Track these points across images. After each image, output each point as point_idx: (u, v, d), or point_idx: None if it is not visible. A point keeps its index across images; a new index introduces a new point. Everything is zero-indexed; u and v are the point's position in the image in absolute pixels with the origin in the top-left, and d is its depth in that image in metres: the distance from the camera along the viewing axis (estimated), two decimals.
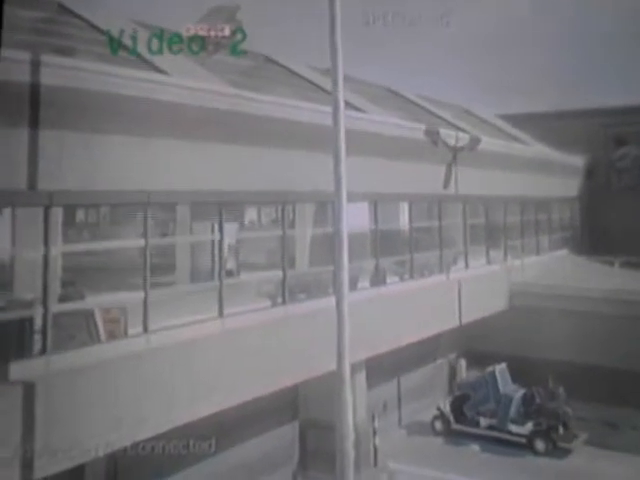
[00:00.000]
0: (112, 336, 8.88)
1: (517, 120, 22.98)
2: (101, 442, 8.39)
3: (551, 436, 14.42)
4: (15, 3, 8.80)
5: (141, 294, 9.02)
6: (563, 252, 22.19)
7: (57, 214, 8.39)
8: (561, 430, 14.50)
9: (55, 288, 8.36)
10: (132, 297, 9.02)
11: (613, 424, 15.60)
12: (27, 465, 7.70)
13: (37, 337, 8.10)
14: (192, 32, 10.01)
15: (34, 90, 8.02)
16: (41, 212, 8.19)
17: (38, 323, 8.11)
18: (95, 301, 8.87)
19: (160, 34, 9.93)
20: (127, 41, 9.86)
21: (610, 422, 15.62)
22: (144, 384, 8.89)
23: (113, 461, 9.67)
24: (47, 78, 8.11)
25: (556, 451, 14.25)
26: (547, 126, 22.77)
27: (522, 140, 21.50)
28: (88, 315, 8.71)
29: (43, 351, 8.07)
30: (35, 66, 8.06)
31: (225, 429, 10.59)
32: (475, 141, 16.06)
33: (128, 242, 9.35)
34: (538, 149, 21.45)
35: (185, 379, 9.34)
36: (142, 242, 9.03)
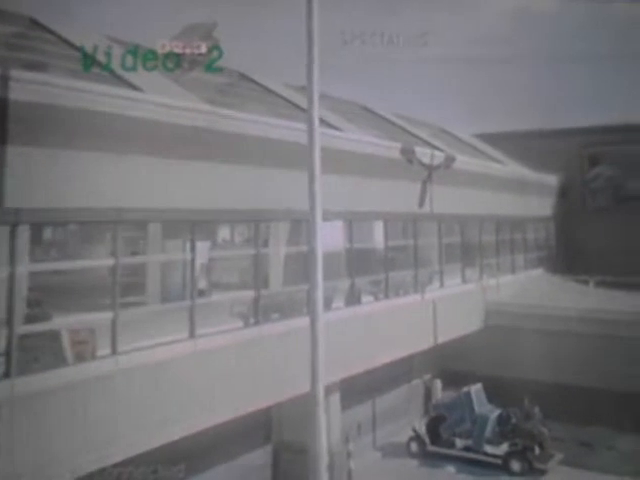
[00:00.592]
0: (80, 358, 8.69)
1: (493, 139, 23.17)
2: (67, 467, 8.19)
3: (527, 456, 14.38)
4: None
5: (110, 314, 8.85)
6: (538, 271, 22.31)
7: (24, 232, 8.22)
8: (537, 450, 14.47)
9: (21, 308, 8.18)
10: (101, 317, 8.85)
11: (589, 444, 15.63)
12: None
13: (0, 360, 7.90)
14: (167, 49, 9.94)
15: (2, 105, 7.87)
16: (7, 230, 8.02)
17: (2, 345, 7.91)
18: (62, 322, 8.69)
19: (135, 50, 9.87)
20: (101, 57, 9.77)
21: (586, 442, 15.65)
22: (113, 407, 8.69)
23: None
24: (16, 93, 7.97)
25: (532, 471, 14.20)
26: (523, 145, 22.98)
27: (498, 159, 21.65)
28: (55, 336, 8.51)
29: (7, 374, 7.88)
30: (4, 81, 7.91)
31: (196, 453, 10.39)
32: (450, 160, 16.12)
33: (97, 261, 9.19)
34: (513, 168, 21.61)
35: (155, 401, 9.15)
36: (112, 261, 8.88)
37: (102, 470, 8.51)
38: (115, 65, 9.77)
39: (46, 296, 8.64)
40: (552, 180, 23.33)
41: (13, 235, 8.01)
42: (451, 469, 14.58)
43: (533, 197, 21.99)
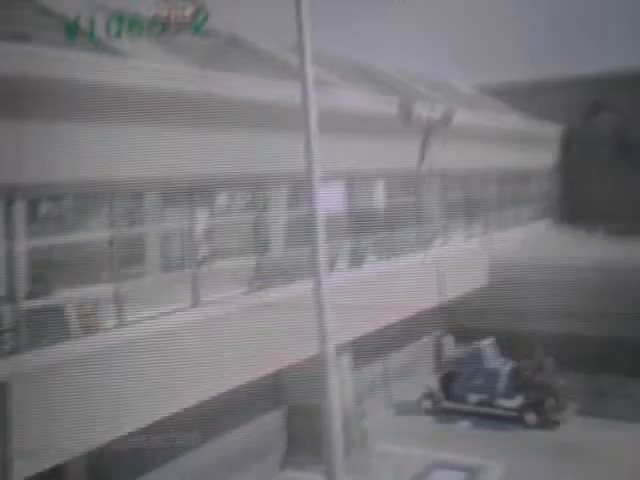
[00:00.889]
0: (86, 330, 8.71)
1: (495, 90, 22.86)
2: (80, 440, 8.25)
3: (541, 408, 14.41)
4: None
5: (113, 286, 8.84)
6: (544, 222, 22.20)
7: (20, 207, 8.17)
8: (551, 402, 14.49)
9: (24, 284, 8.16)
10: (103, 289, 8.84)
11: (602, 392, 15.65)
12: (4, 467, 7.56)
13: (8, 335, 7.92)
14: (153, 13, 9.81)
15: None
16: (3, 206, 7.97)
17: (8, 321, 7.93)
18: (66, 296, 8.68)
19: (119, 17, 9.69)
20: (84, 25, 9.60)
21: (599, 391, 15.67)
22: (122, 378, 8.73)
23: (95, 457, 9.50)
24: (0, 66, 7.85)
25: (547, 423, 14.25)
26: (526, 95, 22.68)
27: (499, 110, 21.41)
28: (60, 310, 8.52)
29: (16, 349, 7.89)
30: None
31: (209, 420, 10.44)
32: (450, 112, 15.90)
33: (95, 234, 9.14)
34: (516, 119, 21.37)
35: (164, 370, 9.18)
36: (109, 233, 8.84)
37: (115, 441, 8.56)
38: (99, 32, 9.61)
39: (48, 271, 8.61)
40: (557, 130, 23.09)
41: (9, 211, 7.97)
42: (466, 424, 14.65)
43: (537, 147, 21.79)
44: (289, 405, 12.83)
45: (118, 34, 9.66)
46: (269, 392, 12.22)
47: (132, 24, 9.74)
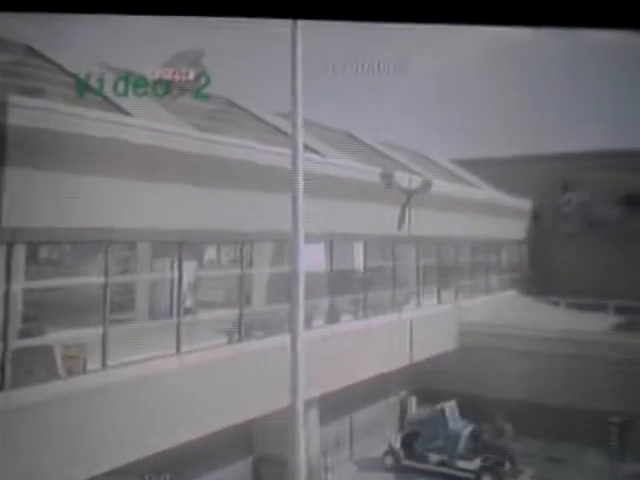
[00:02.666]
0: (71, 372, 8.97)
1: (470, 165, 23.63)
2: (58, 477, 8.44)
3: (498, 471, 14.70)
4: None
5: (100, 330, 9.16)
6: (512, 293, 22.76)
7: (20, 251, 8.53)
8: (508, 466, 14.80)
9: (16, 323, 8.46)
10: (92, 333, 9.15)
11: (558, 460, 15.97)
12: None
13: None
14: (157, 75, 10.28)
15: (1, 129, 8.20)
16: (4, 249, 8.33)
17: None
18: (55, 337, 8.97)
19: (126, 77, 10.20)
20: (94, 83, 10.11)
21: (555, 458, 15.98)
22: (102, 419, 8.97)
23: None
24: (14, 118, 8.31)
25: None
26: (498, 171, 23.45)
27: (474, 184, 22.15)
28: (47, 351, 8.79)
29: (1, 387, 8.14)
30: (3, 106, 8.26)
31: (181, 464, 10.65)
32: (427, 184, 16.58)
33: (89, 279, 9.50)
34: (489, 193, 22.12)
35: (142, 414, 9.44)
36: (102, 279, 9.20)
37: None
38: (107, 91, 10.11)
39: (40, 312, 8.93)
40: (526, 204, 23.86)
41: (9, 254, 8.33)
42: None
43: (507, 221, 22.49)
44: (257, 454, 13.03)
45: (125, 93, 10.15)
46: (240, 440, 12.44)
47: (137, 85, 10.22)
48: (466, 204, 19.17)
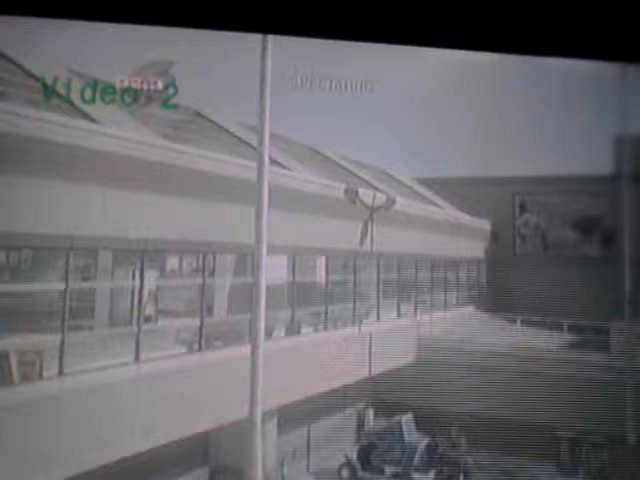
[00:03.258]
0: (26, 378, 8.66)
1: (432, 184, 23.75)
2: None
3: None
4: None
5: (58, 337, 8.86)
6: (469, 309, 22.85)
7: None
8: (462, 478, 14.75)
9: None
10: (49, 340, 8.85)
11: (510, 472, 15.96)
12: None
13: None
14: (125, 84, 10.08)
15: None
16: None
17: None
18: (10, 343, 8.65)
19: (94, 84, 9.96)
20: (61, 89, 9.85)
21: (507, 471, 15.98)
22: (56, 427, 8.67)
23: None
24: None
25: None
26: (459, 190, 23.60)
27: (435, 203, 22.25)
28: (2, 357, 8.48)
29: None
30: None
31: (136, 473, 10.35)
32: (391, 201, 16.55)
33: (48, 285, 9.20)
34: (449, 212, 22.22)
35: (98, 422, 9.15)
36: (62, 285, 8.91)
37: None
38: (74, 97, 9.86)
39: None
40: (485, 224, 24.04)
41: None
42: None
43: (467, 239, 22.62)
44: (213, 465, 12.76)
45: (92, 100, 9.91)
46: (195, 450, 12.16)
47: (105, 92, 9.99)
48: (428, 222, 19.22)
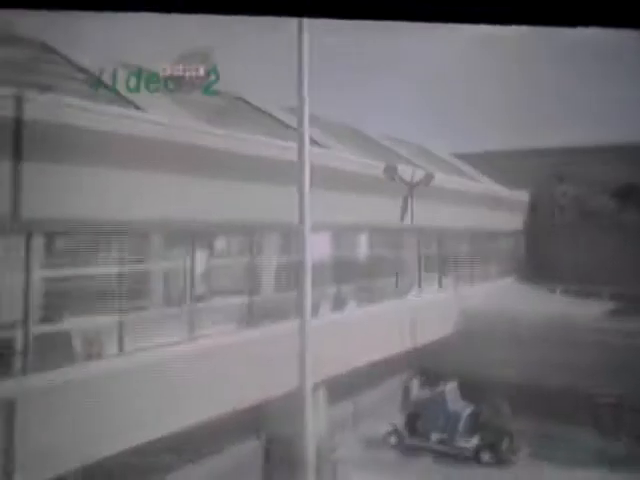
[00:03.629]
0: (89, 357, 8.91)
1: (469, 158, 23.50)
2: (73, 457, 8.38)
3: (496, 449, 14.67)
4: None
5: (117, 318, 9.08)
6: (510, 280, 22.66)
7: (38, 241, 8.44)
8: (505, 444, 14.76)
9: (36, 311, 8.39)
10: (109, 320, 9.07)
11: (552, 438, 15.90)
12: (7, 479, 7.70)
13: (18, 357, 8.12)
14: (168, 72, 10.16)
15: (18, 124, 8.10)
16: (23, 239, 8.24)
17: (19, 344, 8.14)
18: (73, 323, 8.89)
19: (138, 73, 10.07)
20: (107, 79, 9.99)
21: (550, 436, 15.92)
22: (118, 402, 8.90)
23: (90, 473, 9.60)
24: (30, 113, 8.19)
25: (501, 462, 14.50)
26: (496, 163, 23.30)
27: (473, 177, 22.03)
28: (66, 337, 8.73)
29: (24, 371, 8.09)
30: (19, 102, 8.15)
31: (192, 444, 10.59)
32: (429, 177, 16.44)
33: (105, 269, 9.40)
34: (487, 185, 21.99)
35: (156, 396, 9.36)
36: (118, 269, 9.12)
37: (109, 458, 8.70)
38: (120, 87, 9.98)
39: (59, 300, 8.84)
40: (523, 196, 23.74)
41: (28, 244, 8.24)
42: (427, 460, 14.85)
43: (505, 212, 22.37)
44: (267, 434, 12.97)
45: (137, 89, 10.02)
46: (250, 421, 12.38)
47: (149, 80, 10.09)
48: (466, 196, 19.04)
